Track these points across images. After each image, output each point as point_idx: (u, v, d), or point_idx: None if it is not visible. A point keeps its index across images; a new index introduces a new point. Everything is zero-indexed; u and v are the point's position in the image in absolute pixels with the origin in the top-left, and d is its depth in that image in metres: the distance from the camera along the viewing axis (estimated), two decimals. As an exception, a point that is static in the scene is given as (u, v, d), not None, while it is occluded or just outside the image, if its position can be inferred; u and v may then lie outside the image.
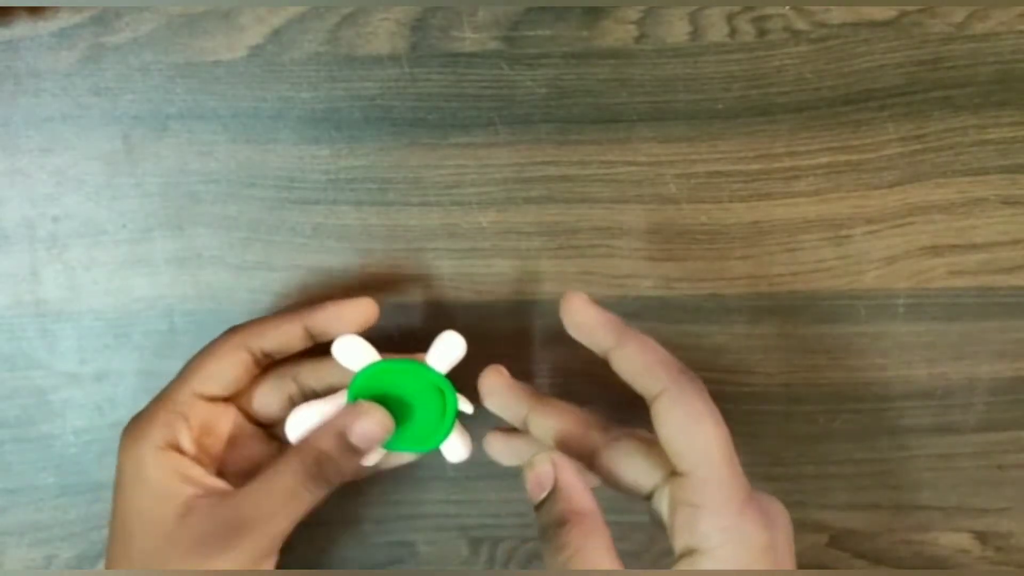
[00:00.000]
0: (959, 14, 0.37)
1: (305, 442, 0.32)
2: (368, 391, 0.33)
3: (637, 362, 0.30)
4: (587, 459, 0.32)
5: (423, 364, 0.33)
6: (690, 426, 0.28)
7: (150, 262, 0.38)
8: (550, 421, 0.32)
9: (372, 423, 0.32)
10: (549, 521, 0.29)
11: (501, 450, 0.34)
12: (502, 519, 0.39)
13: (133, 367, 0.38)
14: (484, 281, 0.38)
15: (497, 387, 0.33)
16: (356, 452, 0.32)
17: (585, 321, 0.31)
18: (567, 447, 0.32)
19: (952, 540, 0.38)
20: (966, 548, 0.38)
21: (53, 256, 0.38)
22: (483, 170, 0.38)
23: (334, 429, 0.32)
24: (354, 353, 0.33)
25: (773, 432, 0.38)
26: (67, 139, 0.38)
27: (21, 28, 0.37)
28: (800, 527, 0.38)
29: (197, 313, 0.38)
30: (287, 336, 0.34)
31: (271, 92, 0.37)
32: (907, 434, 0.38)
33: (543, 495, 0.30)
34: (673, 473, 0.29)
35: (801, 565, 0.38)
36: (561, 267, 0.38)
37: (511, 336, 0.38)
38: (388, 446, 0.34)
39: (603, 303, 0.37)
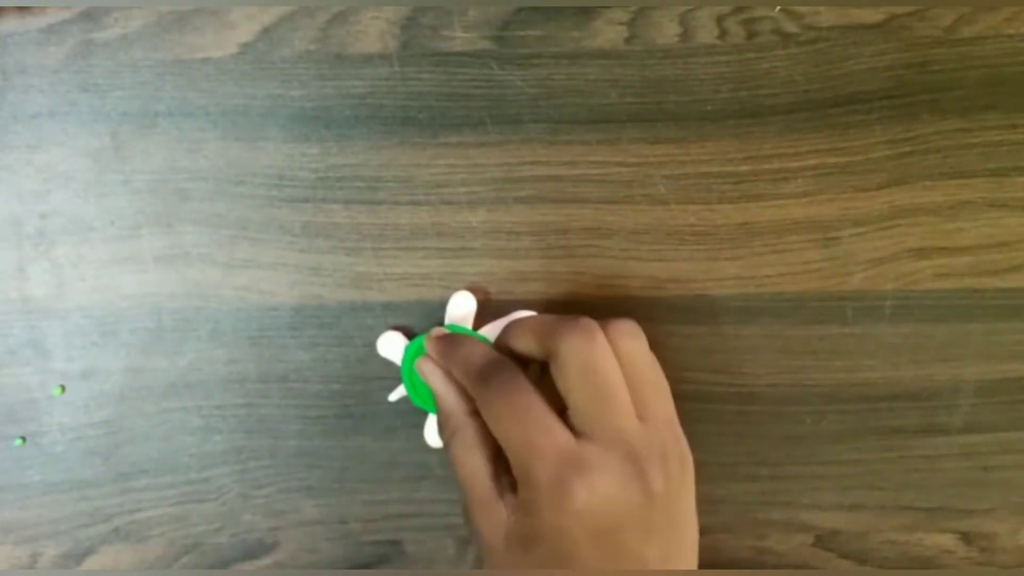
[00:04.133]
0: (947, 18, 0.37)
1: None
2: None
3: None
4: None
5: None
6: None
7: (138, 259, 0.38)
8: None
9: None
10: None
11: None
12: (490, 518, 0.39)
13: (120, 365, 0.38)
14: (473, 280, 0.38)
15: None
16: None
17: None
18: None
19: (937, 541, 0.39)
20: (951, 549, 0.39)
21: (40, 253, 0.38)
22: (473, 169, 0.38)
23: None
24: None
25: (760, 432, 0.38)
26: (55, 136, 0.38)
27: (9, 24, 0.37)
28: (786, 527, 0.38)
29: (185, 311, 0.38)
30: None
31: (261, 90, 0.37)
32: (893, 435, 0.38)
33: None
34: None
35: (787, 565, 0.38)
36: (550, 267, 0.38)
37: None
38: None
39: (592, 303, 0.38)
